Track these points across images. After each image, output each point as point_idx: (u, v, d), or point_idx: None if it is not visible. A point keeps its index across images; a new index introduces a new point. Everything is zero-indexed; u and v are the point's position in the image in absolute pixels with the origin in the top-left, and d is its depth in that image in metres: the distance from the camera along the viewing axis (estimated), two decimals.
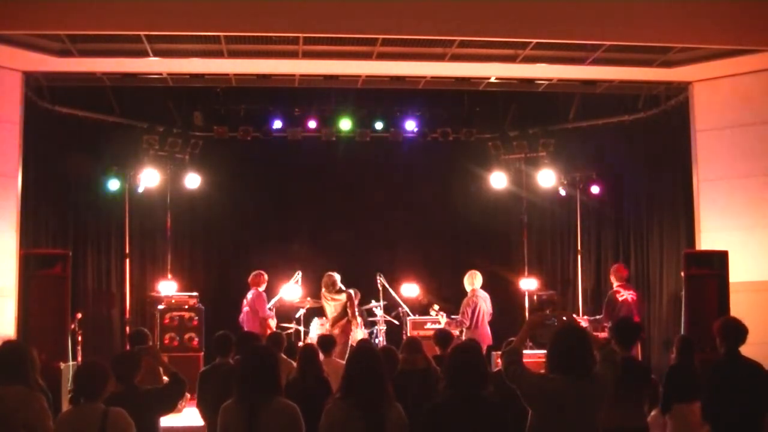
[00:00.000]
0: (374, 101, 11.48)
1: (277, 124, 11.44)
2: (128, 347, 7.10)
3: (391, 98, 11.40)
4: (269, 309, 10.39)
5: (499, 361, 6.38)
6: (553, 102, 11.68)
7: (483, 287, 9.96)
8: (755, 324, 5.22)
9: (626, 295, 9.41)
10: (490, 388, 3.94)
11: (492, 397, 3.93)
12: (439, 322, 9.99)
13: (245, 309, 10.26)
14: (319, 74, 9.97)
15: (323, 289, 10.16)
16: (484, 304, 9.68)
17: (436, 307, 10.14)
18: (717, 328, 5.17)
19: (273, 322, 10.32)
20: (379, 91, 11.00)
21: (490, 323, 9.79)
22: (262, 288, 10.33)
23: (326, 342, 7.16)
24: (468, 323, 9.58)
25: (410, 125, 11.62)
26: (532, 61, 9.17)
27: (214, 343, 6.18)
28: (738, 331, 5.12)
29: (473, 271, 9.93)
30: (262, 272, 10.43)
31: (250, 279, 10.38)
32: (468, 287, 9.81)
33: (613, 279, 9.70)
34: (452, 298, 10.40)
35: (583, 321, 9.70)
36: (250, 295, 10.29)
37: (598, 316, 9.86)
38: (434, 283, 11.72)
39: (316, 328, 10.23)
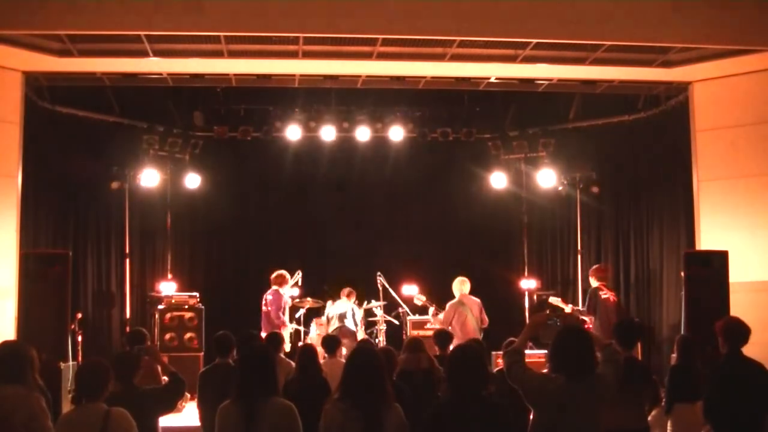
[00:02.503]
0: (374, 101, 11.47)
1: (277, 124, 11.44)
2: (127, 347, 7.09)
3: (392, 98, 11.39)
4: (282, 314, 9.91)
5: (500, 361, 6.39)
6: (553, 102, 11.68)
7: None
8: (755, 324, 5.22)
9: (608, 294, 9.51)
10: (492, 389, 3.94)
11: (493, 397, 3.93)
12: (427, 311, 10.01)
13: (265, 309, 9.86)
14: (319, 74, 9.97)
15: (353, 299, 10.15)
16: (470, 312, 9.31)
17: (422, 297, 10.11)
18: (720, 327, 5.17)
19: (286, 331, 9.70)
20: (380, 91, 11.00)
21: (487, 329, 9.49)
22: (283, 289, 9.93)
23: (331, 342, 7.14)
24: (448, 328, 9.09)
25: (410, 125, 11.61)
26: (532, 61, 9.16)
27: (214, 343, 6.18)
28: (741, 332, 5.12)
29: (461, 278, 9.61)
30: (285, 273, 10.02)
31: (272, 278, 9.96)
32: (456, 293, 9.51)
33: (593, 279, 9.74)
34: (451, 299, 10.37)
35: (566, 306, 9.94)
36: (270, 295, 9.85)
37: (581, 308, 9.90)
38: (434, 283, 11.69)
39: (316, 328, 10.22)
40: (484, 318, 9.49)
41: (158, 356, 5.30)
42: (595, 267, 10.05)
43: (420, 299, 10.21)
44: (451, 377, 3.94)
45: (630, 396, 4.99)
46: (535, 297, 11.79)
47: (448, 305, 9.49)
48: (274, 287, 9.91)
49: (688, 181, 10.00)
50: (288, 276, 10.08)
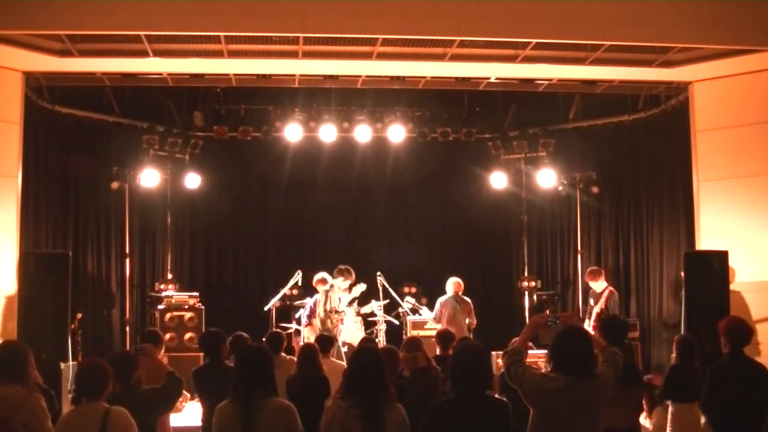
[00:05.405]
0: (374, 101, 11.48)
1: (277, 124, 11.43)
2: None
3: (392, 98, 11.39)
4: (305, 318, 9.94)
5: (499, 361, 6.38)
6: (553, 102, 11.69)
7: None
8: (756, 324, 5.23)
9: (615, 291, 9.82)
10: (494, 389, 3.94)
11: (495, 397, 3.93)
12: (420, 313, 10.29)
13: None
14: (319, 74, 9.96)
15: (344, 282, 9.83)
16: (458, 307, 9.72)
17: (411, 300, 10.34)
18: (722, 327, 5.16)
19: (306, 331, 9.81)
20: (380, 91, 11.00)
21: (483, 329, 9.83)
22: (322, 288, 9.85)
23: (325, 342, 7.12)
24: (436, 320, 9.82)
25: (410, 125, 11.60)
26: (532, 61, 9.16)
27: (206, 341, 6.15)
28: (743, 331, 5.12)
29: (456, 279, 10.01)
30: (323, 275, 9.94)
31: (315, 282, 9.97)
32: (449, 291, 9.93)
33: (600, 282, 9.85)
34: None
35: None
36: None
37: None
38: (434, 283, 11.70)
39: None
40: (472, 320, 9.90)
41: (155, 356, 5.29)
42: (596, 269, 10.11)
43: (409, 302, 10.43)
44: (454, 377, 3.95)
45: (619, 396, 4.97)
46: (535, 297, 11.79)
47: (438, 301, 9.88)
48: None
49: (688, 181, 10.01)
50: (328, 277, 9.94)
